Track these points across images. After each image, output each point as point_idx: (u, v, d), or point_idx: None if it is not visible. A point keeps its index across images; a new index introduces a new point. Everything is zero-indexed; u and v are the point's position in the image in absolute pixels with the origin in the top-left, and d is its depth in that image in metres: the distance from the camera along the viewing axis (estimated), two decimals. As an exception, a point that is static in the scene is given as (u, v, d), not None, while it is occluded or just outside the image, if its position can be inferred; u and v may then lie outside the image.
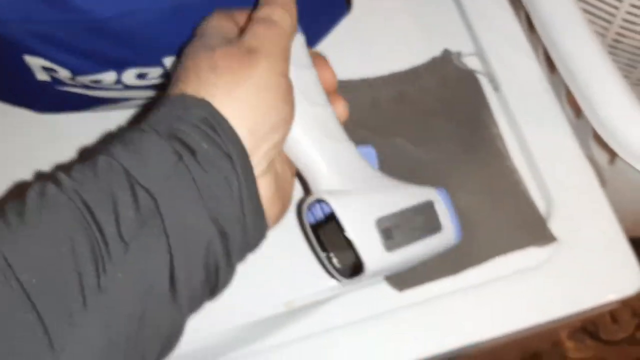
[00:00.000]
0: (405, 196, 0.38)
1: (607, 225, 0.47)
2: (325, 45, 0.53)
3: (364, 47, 0.55)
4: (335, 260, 0.38)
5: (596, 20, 0.53)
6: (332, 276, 0.39)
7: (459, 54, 0.52)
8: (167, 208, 0.30)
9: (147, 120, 0.34)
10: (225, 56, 0.34)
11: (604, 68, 0.41)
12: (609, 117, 0.39)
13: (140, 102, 0.50)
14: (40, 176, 0.50)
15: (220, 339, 0.47)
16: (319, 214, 0.37)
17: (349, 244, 0.35)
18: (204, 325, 0.46)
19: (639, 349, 0.86)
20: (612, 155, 0.50)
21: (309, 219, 0.38)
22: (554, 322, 0.45)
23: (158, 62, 0.43)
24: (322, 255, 0.38)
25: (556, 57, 0.44)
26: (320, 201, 0.36)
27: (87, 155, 0.34)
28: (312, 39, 0.52)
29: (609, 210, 0.47)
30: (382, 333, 0.45)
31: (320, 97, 0.38)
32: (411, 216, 0.37)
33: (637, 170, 0.40)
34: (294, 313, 0.47)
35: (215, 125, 0.32)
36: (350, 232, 0.35)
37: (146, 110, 0.47)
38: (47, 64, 0.42)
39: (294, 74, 0.37)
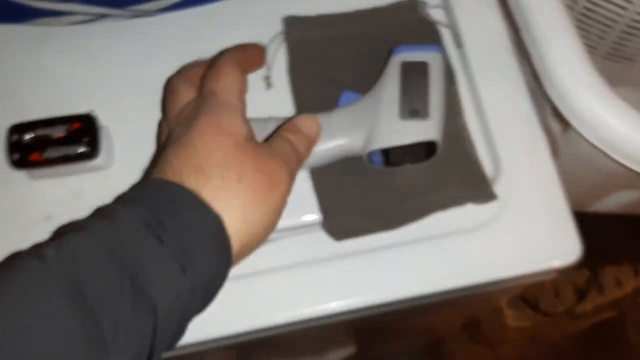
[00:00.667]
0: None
1: (553, 194, 0.46)
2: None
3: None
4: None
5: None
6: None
7: (425, 4, 0.49)
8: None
9: (150, 207, 0.33)
10: (256, 174, 0.35)
11: (563, 32, 0.39)
12: (561, 79, 0.38)
13: (82, 18, 0.46)
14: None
15: None
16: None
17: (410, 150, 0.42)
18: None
19: (576, 324, 0.87)
20: (566, 124, 0.49)
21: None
22: (489, 284, 0.45)
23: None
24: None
25: (519, 16, 0.42)
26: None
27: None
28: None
29: (556, 179, 0.46)
30: (314, 280, 0.44)
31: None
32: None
33: (586, 140, 0.39)
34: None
35: (221, 247, 0.33)
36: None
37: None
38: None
39: None
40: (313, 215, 0.45)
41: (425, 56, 0.44)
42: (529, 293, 0.87)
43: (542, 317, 0.86)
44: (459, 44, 0.50)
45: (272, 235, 0.43)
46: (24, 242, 0.44)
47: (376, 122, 0.42)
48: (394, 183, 0.45)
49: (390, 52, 0.45)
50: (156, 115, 0.47)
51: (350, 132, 0.43)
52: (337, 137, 0.43)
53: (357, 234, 0.44)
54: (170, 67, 0.48)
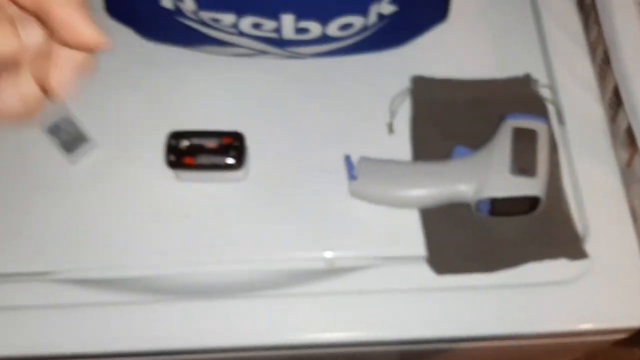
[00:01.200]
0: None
1: (634, 260, 0.50)
2: (416, 43, 0.57)
3: (449, 53, 0.58)
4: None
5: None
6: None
7: (536, 82, 0.55)
8: None
9: None
10: None
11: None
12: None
13: (241, 51, 0.54)
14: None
15: (257, 279, 0.50)
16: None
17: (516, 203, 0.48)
18: (251, 260, 0.50)
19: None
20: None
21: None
22: (568, 334, 0.49)
23: (276, 17, 0.47)
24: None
25: (626, 97, 0.48)
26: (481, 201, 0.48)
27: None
28: (408, 40, 0.56)
29: (636, 246, 0.50)
30: (412, 305, 0.49)
31: None
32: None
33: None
34: (332, 271, 0.50)
35: None
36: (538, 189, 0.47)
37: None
38: (179, -8, 0.46)
39: None
40: (418, 249, 0.50)
41: (535, 125, 0.50)
42: None
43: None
44: (561, 121, 0.55)
45: (379, 262, 0.48)
46: (163, 234, 0.50)
47: (488, 175, 0.48)
48: (496, 231, 0.50)
49: (502, 118, 0.52)
50: (286, 142, 0.54)
51: (463, 181, 0.49)
52: (451, 183, 0.49)
53: (457, 272, 0.49)
54: (308, 105, 0.55)
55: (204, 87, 0.57)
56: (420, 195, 0.50)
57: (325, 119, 0.55)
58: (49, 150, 0.54)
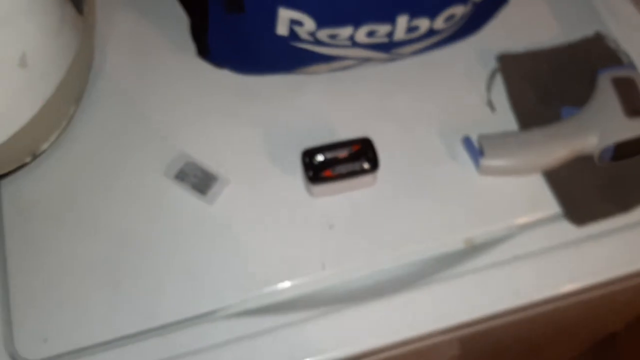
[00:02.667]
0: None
1: None
2: (489, 28, 0.60)
3: (516, 27, 0.62)
4: None
5: None
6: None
7: (606, 36, 0.59)
8: None
9: None
10: None
11: None
12: None
13: (344, 64, 0.55)
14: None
15: (403, 271, 0.52)
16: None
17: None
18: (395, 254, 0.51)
19: None
20: None
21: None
22: None
23: (392, 20, 0.49)
24: None
25: None
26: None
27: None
28: (481, 27, 0.59)
29: None
30: (560, 263, 0.51)
31: None
32: None
33: None
34: (474, 249, 0.52)
35: None
36: None
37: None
38: (298, 16, 0.48)
39: None
40: (551, 210, 0.53)
41: (628, 72, 0.53)
42: None
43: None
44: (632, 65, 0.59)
45: (516, 230, 0.50)
46: (315, 249, 0.51)
47: (607, 123, 0.51)
48: (620, 174, 0.53)
49: (590, 75, 0.55)
50: (400, 140, 0.56)
51: (587, 133, 0.51)
52: (576, 139, 0.52)
53: (597, 218, 0.51)
54: (411, 102, 0.58)
55: (310, 104, 0.58)
56: (549, 157, 0.52)
57: (429, 111, 0.58)
58: (183, 196, 0.54)
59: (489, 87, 0.58)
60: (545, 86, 0.57)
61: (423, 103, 0.58)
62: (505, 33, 0.61)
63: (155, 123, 0.58)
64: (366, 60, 0.55)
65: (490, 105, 0.57)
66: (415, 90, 0.59)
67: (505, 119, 0.57)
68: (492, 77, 0.58)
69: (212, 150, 0.56)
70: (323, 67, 0.56)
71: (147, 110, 0.59)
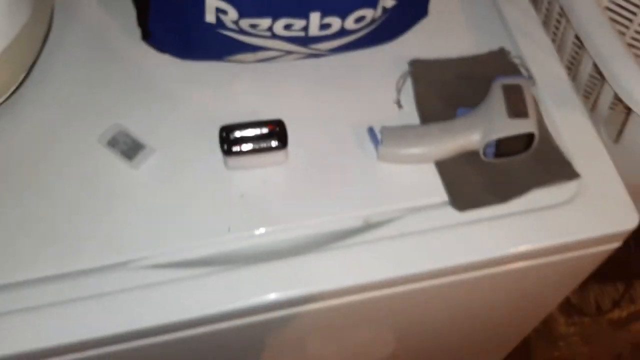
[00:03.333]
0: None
1: (612, 178, 0.60)
2: (405, 36, 0.67)
3: (432, 38, 0.68)
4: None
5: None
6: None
7: (509, 52, 0.66)
8: None
9: None
10: None
11: (621, 50, 0.56)
12: (623, 79, 0.53)
13: (272, 54, 0.62)
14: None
15: (306, 241, 0.57)
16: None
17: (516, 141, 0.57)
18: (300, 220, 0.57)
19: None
20: (617, 136, 0.64)
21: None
22: (575, 244, 0.57)
23: (306, 16, 0.55)
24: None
25: (590, 47, 0.58)
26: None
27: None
28: (399, 34, 0.66)
29: (613, 169, 0.60)
30: (446, 242, 0.56)
31: None
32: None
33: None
34: (370, 226, 0.58)
35: None
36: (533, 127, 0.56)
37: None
38: (223, 5, 0.54)
39: None
40: (440, 197, 0.59)
41: (519, 80, 0.60)
42: (576, 302, 0.94)
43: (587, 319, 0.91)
44: (533, 82, 0.66)
45: (407, 212, 0.56)
46: (224, 214, 0.57)
47: (491, 122, 0.57)
48: (502, 169, 0.59)
49: (490, 83, 0.61)
50: (315, 126, 0.62)
51: (472, 130, 0.58)
52: (461, 136, 0.58)
53: (477, 206, 0.57)
54: (329, 95, 0.64)
55: (239, 89, 0.64)
56: (439, 149, 0.58)
57: (344, 104, 0.64)
58: (112, 160, 0.60)
59: (398, 88, 0.64)
60: (448, 90, 0.64)
61: (341, 97, 0.64)
62: (422, 42, 0.68)
63: (98, 96, 0.64)
64: (289, 53, 0.61)
65: (399, 103, 0.63)
66: (335, 85, 0.65)
67: (411, 117, 0.63)
68: (403, 80, 0.65)
69: (146, 123, 0.62)
70: (250, 56, 0.62)
71: (93, 84, 0.65)
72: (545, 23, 0.70)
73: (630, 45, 0.66)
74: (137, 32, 0.65)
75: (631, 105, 0.55)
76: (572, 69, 0.70)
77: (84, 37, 0.68)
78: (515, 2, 0.71)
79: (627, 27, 0.65)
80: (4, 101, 0.61)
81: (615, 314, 0.87)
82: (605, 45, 0.57)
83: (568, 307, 0.90)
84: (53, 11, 0.67)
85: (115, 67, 0.66)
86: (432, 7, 0.68)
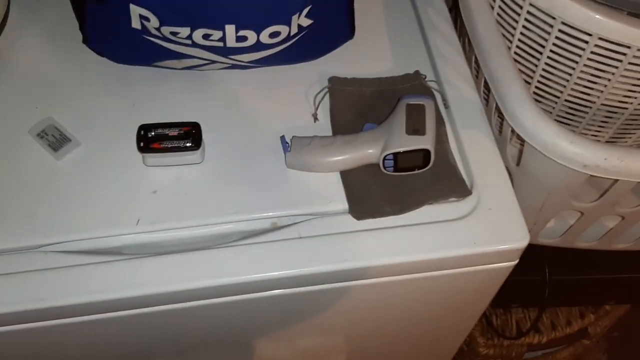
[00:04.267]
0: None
1: (510, 200, 0.62)
2: (331, 56, 0.71)
3: (357, 59, 0.72)
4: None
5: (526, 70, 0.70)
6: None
7: (425, 76, 0.69)
8: None
9: None
10: None
11: (515, 82, 0.59)
12: (515, 113, 0.56)
13: (197, 62, 0.65)
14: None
15: (213, 237, 0.60)
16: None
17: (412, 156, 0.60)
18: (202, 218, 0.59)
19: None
20: (518, 160, 0.66)
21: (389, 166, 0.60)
22: (467, 257, 0.59)
23: (221, 27, 0.59)
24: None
25: (489, 78, 0.61)
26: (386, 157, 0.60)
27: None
28: (323, 53, 0.69)
29: (510, 190, 0.63)
30: (342, 246, 0.59)
31: None
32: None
33: (534, 147, 0.56)
34: (276, 228, 0.60)
35: None
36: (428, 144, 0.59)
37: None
38: (145, 12, 0.58)
39: None
40: (342, 205, 0.61)
41: (423, 100, 0.63)
42: (497, 325, 0.95)
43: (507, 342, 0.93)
44: (446, 105, 0.69)
45: (311, 217, 0.59)
46: (135, 208, 0.59)
47: (389, 138, 0.60)
48: (400, 183, 0.61)
49: (398, 100, 0.64)
50: (234, 132, 0.65)
51: (371, 145, 0.60)
52: (362, 149, 0.61)
53: (374, 216, 0.60)
54: (250, 104, 0.67)
55: (166, 94, 0.68)
56: (341, 160, 0.61)
57: (264, 113, 0.67)
58: (39, 150, 0.63)
59: (316, 102, 0.67)
60: (361, 107, 0.67)
61: (262, 107, 0.68)
62: (346, 62, 0.71)
63: (37, 91, 0.67)
64: (213, 62, 0.65)
65: (315, 116, 0.67)
66: (258, 96, 0.68)
67: (325, 129, 0.66)
68: (322, 95, 0.68)
69: (76, 119, 0.65)
70: (176, 62, 0.65)
71: (33, 79, 0.68)
72: (468, 54, 0.74)
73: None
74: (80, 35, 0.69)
75: (515, 128, 0.58)
76: (486, 96, 0.73)
77: (34, 36, 0.72)
78: (439, 29, 0.75)
79: (533, 71, 0.68)
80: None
81: (535, 338, 0.88)
82: (500, 72, 0.60)
83: (489, 329, 0.92)
84: (9, 8, 0.72)
85: (57, 66, 0.70)
86: (359, 29, 0.72)
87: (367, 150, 0.60)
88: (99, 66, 0.69)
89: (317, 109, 0.67)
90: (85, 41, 0.68)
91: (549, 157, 0.57)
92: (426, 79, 0.69)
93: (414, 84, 0.69)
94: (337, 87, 0.68)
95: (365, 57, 0.73)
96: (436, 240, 0.60)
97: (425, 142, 0.59)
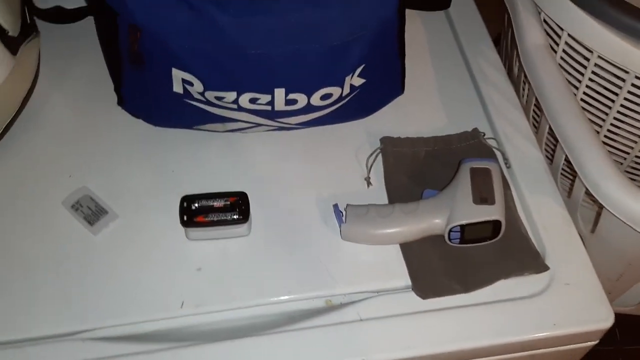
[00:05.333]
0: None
1: (587, 271, 0.56)
2: (380, 112, 0.65)
3: (407, 116, 0.66)
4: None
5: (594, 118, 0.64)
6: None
7: (483, 133, 0.63)
8: None
9: None
10: None
11: (595, 148, 0.53)
12: (595, 178, 0.50)
13: (238, 125, 0.60)
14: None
15: (265, 321, 0.54)
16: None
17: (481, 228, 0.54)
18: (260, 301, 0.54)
19: None
20: (593, 227, 0.60)
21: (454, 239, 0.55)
22: (542, 340, 0.53)
23: (270, 91, 0.54)
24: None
25: (564, 143, 0.55)
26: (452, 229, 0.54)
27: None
28: (373, 111, 0.64)
29: (588, 261, 0.56)
30: (406, 330, 0.53)
31: None
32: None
33: (617, 217, 0.50)
34: (332, 308, 0.54)
35: None
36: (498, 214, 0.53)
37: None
38: (188, 77, 0.53)
39: None
40: (403, 281, 0.55)
41: (487, 164, 0.57)
42: None
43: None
44: (508, 164, 0.63)
45: (370, 295, 0.53)
46: (178, 287, 0.54)
47: (455, 207, 0.54)
48: (467, 256, 0.55)
49: (459, 163, 0.59)
50: (281, 199, 0.60)
51: (436, 215, 0.55)
52: (425, 220, 0.55)
53: (440, 295, 0.54)
54: (298, 168, 0.62)
55: (207, 158, 0.63)
56: (402, 232, 0.55)
57: (312, 178, 0.62)
58: (73, 224, 0.58)
59: (369, 165, 0.62)
60: (417, 170, 0.61)
61: (308, 170, 0.62)
62: (397, 119, 0.66)
63: (68, 157, 0.62)
64: (258, 125, 0.60)
65: (368, 180, 0.61)
66: (304, 158, 0.63)
67: (379, 194, 0.61)
68: (374, 156, 0.62)
69: (111, 189, 0.60)
70: (219, 126, 0.60)
71: (66, 145, 0.63)
72: (526, 106, 0.68)
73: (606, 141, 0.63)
74: (114, 97, 0.64)
75: (599, 199, 0.52)
76: (550, 153, 0.67)
77: (65, 99, 0.67)
78: (494, 83, 0.70)
79: (603, 120, 0.62)
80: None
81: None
82: (576, 136, 0.54)
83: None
84: (38, 72, 0.67)
85: (90, 130, 0.65)
86: (409, 82, 0.66)
87: (431, 221, 0.55)
88: (135, 129, 0.64)
89: (369, 172, 0.62)
90: (120, 103, 0.63)
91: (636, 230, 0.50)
92: (485, 137, 0.64)
93: (472, 143, 0.63)
94: (390, 148, 0.62)
95: (415, 113, 0.67)
96: (510, 322, 0.53)
97: (495, 212, 0.54)
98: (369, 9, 0.50)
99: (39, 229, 0.58)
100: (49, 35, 0.71)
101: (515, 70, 0.75)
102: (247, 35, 0.49)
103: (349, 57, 0.53)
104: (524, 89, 0.72)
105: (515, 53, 0.73)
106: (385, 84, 0.63)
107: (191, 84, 0.54)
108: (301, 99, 0.55)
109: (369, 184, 0.61)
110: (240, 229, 0.56)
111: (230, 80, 0.53)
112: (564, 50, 0.62)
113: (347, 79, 0.55)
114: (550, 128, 0.59)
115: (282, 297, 0.55)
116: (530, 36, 0.60)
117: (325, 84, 0.54)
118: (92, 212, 0.58)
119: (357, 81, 0.57)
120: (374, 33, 0.53)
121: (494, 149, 0.63)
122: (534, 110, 0.66)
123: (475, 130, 0.64)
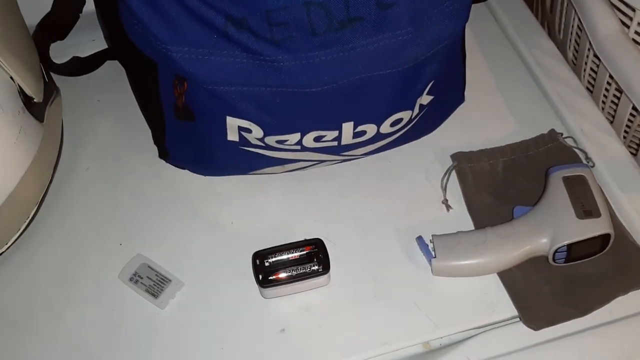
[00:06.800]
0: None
1: None
2: (444, 125, 0.60)
3: (472, 124, 0.61)
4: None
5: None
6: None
7: (561, 134, 0.58)
8: None
9: None
10: None
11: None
12: None
13: (299, 165, 0.54)
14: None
15: None
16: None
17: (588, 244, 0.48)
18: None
19: None
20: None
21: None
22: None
23: (338, 127, 0.48)
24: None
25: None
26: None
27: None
28: (437, 125, 0.59)
29: None
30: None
31: None
32: None
33: None
34: (432, 352, 0.49)
35: None
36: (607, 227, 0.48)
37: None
38: (246, 124, 0.47)
39: None
40: (507, 311, 0.50)
41: (579, 170, 0.52)
42: None
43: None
44: (591, 164, 0.57)
45: (473, 332, 0.47)
46: (266, 355, 0.48)
47: (558, 225, 0.49)
48: (576, 275, 0.50)
49: (543, 173, 0.53)
50: (355, 239, 0.54)
51: (539, 234, 0.49)
52: (525, 243, 0.49)
53: (555, 323, 0.48)
54: (368, 202, 0.56)
55: (268, 204, 0.57)
56: (501, 259, 0.50)
57: (385, 210, 0.56)
58: (135, 299, 0.52)
59: (444, 186, 0.56)
60: (499, 185, 0.56)
61: (379, 202, 0.57)
62: (462, 129, 0.61)
63: (115, 225, 0.56)
64: (320, 162, 0.54)
65: (446, 204, 0.55)
66: (371, 189, 0.57)
67: (461, 218, 0.55)
68: (447, 176, 0.57)
69: (169, 253, 0.54)
70: (277, 168, 0.55)
71: (108, 212, 0.58)
72: (593, 93, 0.63)
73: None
74: (153, 149, 0.58)
75: None
76: (630, 143, 0.62)
77: (96, 159, 0.61)
78: (556, 75, 0.64)
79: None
80: (15, 241, 0.54)
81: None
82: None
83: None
84: (62, 134, 0.61)
85: (132, 189, 0.59)
86: (468, 90, 0.61)
87: (535, 243, 0.49)
88: (182, 182, 0.58)
89: (445, 193, 0.56)
90: (163, 156, 0.57)
91: None
92: (564, 137, 0.58)
93: (550, 146, 0.58)
94: (465, 164, 0.57)
95: (479, 120, 0.62)
96: (637, 340, 0.48)
97: (604, 226, 0.48)
98: (442, 23, 0.45)
99: (100, 312, 0.52)
100: (65, 89, 0.64)
101: (570, 55, 0.70)
102: (311, 72, 0.43)
103: (421, 76, 0.47)
104: (583, 77, 0.66)
105: (568, 39, 0.67)
106: (450, 95, 0.57)
107: (249, 131, 0.48)
108: (370, 130, 0.50)
109: (448, 207, 0.55)
110: (320, 279, 0.51)
111: (293, 121, 0.47)
112: (636, 32, 0.56)
113: (418, 100, 0.50)
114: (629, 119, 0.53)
115: (378, 351, 0.49)
116: (605, 25, 0.54)
117: (396, 110, 0.49)
118: (154, 283, 0.52)
119: (426, 99, 0.51)
120: (445, 46, 0.47)
121: (574, 149, 0.58)
122: (603, 95, 0.60)
123: (552, 131, 0.58)
